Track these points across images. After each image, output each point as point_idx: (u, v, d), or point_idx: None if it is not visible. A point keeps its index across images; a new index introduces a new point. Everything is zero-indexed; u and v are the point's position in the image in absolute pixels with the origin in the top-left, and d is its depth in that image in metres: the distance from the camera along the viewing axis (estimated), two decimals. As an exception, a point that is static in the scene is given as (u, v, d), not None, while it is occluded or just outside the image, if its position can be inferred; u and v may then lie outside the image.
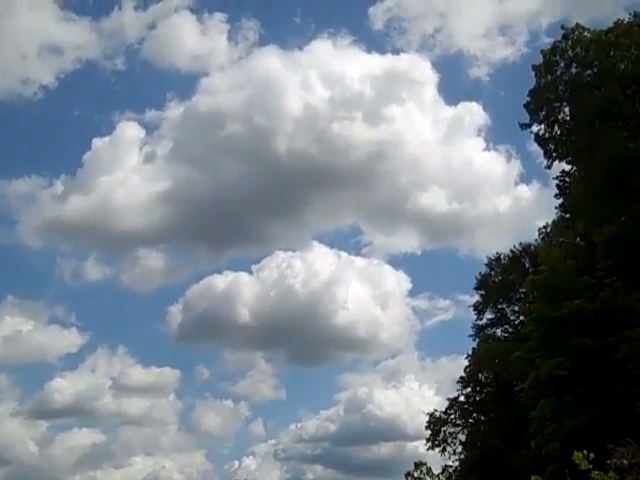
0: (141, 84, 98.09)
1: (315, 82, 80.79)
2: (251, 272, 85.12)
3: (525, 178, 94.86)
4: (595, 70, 36.65)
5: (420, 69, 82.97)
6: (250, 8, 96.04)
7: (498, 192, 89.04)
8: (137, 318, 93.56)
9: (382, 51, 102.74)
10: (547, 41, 40.94)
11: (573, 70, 37.49)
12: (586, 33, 37.03)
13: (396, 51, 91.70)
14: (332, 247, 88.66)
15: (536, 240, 47.66)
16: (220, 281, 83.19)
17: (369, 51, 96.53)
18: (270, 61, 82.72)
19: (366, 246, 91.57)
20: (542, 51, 38.54)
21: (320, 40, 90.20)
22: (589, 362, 32.58)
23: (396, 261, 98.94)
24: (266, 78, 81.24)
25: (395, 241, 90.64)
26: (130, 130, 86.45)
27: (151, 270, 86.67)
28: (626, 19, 36.33)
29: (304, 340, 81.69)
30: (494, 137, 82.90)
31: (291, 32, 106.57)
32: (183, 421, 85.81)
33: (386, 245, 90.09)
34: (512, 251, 49.08)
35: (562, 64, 37.70)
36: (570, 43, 37.31)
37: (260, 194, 79.11)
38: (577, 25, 37.42)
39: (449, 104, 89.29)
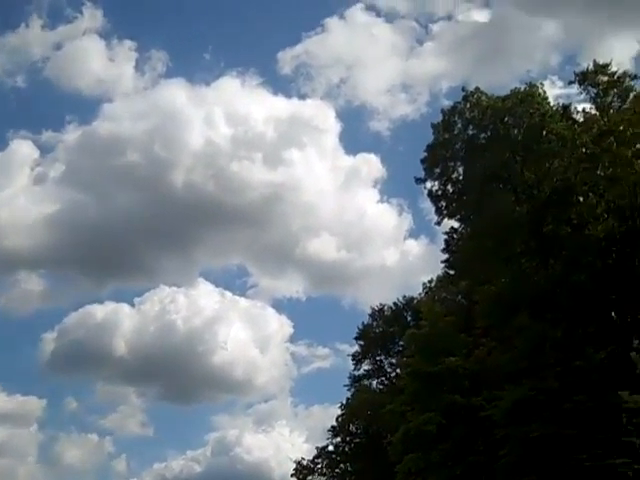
0: (40, 103, 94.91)
1: (219, 119, 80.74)
2: (133, 304, 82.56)
3: (414, 233, 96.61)
4: (489, 133, 37.62)
5: (324, 117, 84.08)
6: (161, 39, 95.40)
7: (387, 245, 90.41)
8: (9, 343, 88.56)
9: (288, 95, 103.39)
10: (446, 103, 41.99)
11: (469, 131, 38.36)
12: (484, 98, 38.07)
13: (302, 96, 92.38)
14: (218, 286, 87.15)
15: (420, 294, 48.12)
16: (100, 311, 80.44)
17: (275, 93, 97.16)
18: (176, 94, 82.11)
19: (252, 287, 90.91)
20: (442, 110, 39.42)
21: (228, 78, 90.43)
22: (457, 419, 32.66)
23: (280, 305, 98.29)
24: (170, 110, 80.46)
25: (281, 285, 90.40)
26: (23, 149, 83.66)
27: (30, 294, 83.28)
28: (522, 88, 37.53)
29: (179, 378, 79.53)
30: (389, 190, 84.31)
31: (200, 67, 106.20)
32: (43, 453, 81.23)
33: (271, 288, 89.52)
34: (395, 304, 49.36)
35: (460, 124, 38.56)
36: (469, 105, 38.27)
37: (151, 226, 77.43)
38: (477, 89, 38.46)
39: (348, 154, 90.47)
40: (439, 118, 39.17)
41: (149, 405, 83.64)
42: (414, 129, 70.30)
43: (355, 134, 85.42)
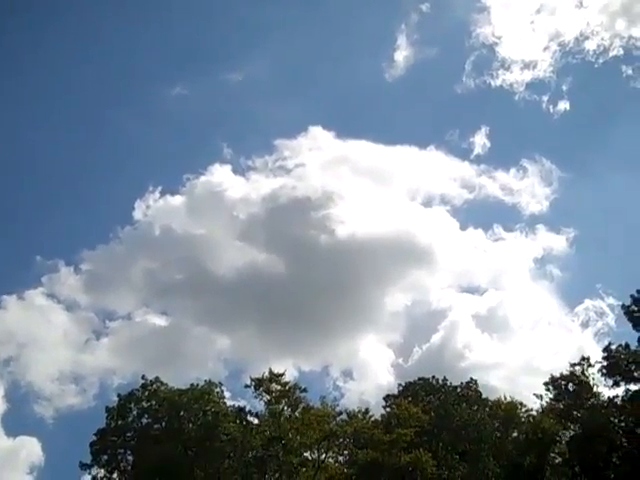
0: None
1: None
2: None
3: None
4: (164, 424, 37.97)
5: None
6: None
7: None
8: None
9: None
10: (116, 399, 41.72)
11: (144, 420, 38.40)
12: (163, 388, 38.82)
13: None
14: None
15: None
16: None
17: None
18: None
19: None
20: (118, 395, 39.26)
21: None
22: None
23: None
24: None
25: None
26: None
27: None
28: (200, 384, 38.97)
29: None
30: (45, 477, 76.39)
31: None
32: None
33: None
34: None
35: (135, 412, 38.51)
36: (146, 394, 38.64)
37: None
38: (156, 378, 39.19)
39: (8, 435, 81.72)
40: (114, 404, 38.91)
41: None
42: (80, 419, 67.66)
43: (18, 415, 78.20)
